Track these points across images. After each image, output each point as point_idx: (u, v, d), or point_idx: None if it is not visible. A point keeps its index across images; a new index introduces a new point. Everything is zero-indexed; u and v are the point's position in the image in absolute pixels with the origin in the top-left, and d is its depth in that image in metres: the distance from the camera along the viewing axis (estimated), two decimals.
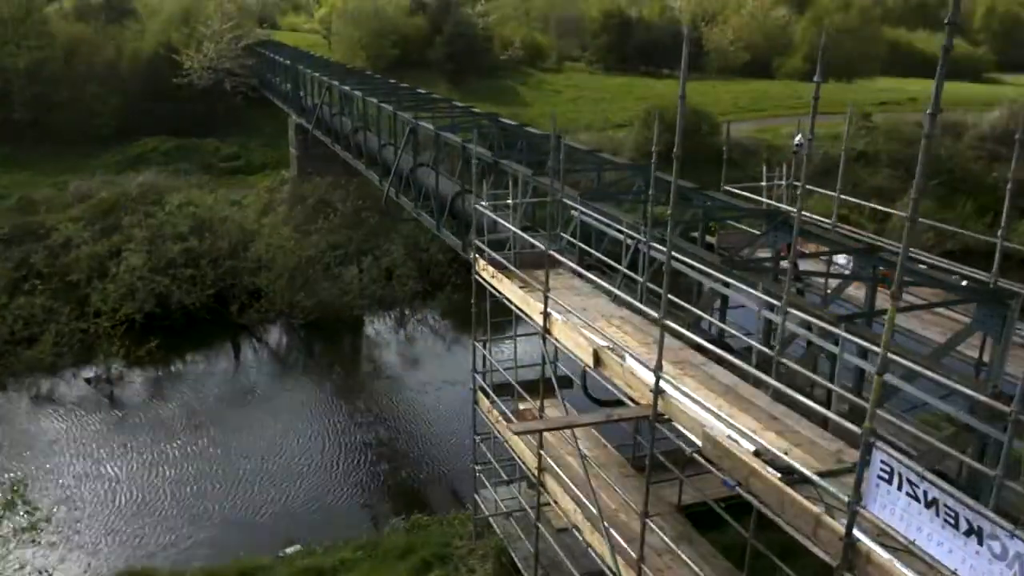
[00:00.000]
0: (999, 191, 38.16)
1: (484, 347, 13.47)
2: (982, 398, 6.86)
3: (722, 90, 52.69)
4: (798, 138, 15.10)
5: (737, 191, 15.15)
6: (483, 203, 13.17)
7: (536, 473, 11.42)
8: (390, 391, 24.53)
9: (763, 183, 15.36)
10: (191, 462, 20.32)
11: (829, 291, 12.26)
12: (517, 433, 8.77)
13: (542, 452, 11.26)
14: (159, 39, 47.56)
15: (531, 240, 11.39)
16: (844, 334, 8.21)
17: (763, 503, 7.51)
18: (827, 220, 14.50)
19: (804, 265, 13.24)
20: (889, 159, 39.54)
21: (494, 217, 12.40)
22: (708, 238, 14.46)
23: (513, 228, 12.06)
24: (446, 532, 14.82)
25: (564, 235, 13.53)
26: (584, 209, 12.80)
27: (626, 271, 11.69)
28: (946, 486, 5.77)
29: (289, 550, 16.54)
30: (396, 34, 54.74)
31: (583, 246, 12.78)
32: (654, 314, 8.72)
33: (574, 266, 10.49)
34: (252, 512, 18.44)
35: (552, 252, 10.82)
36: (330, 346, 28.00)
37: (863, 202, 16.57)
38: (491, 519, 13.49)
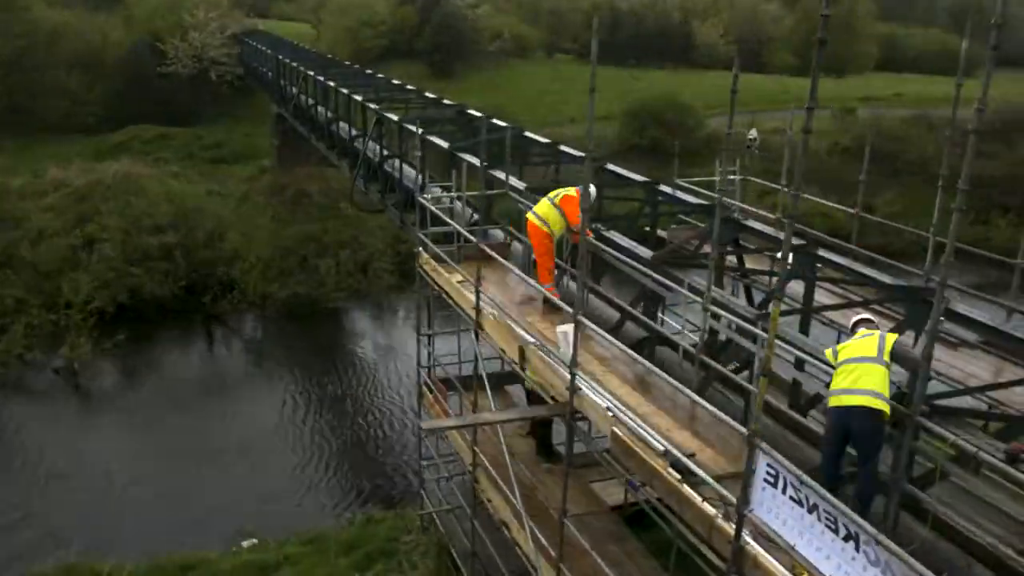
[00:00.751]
0: (982, 187, 38.20)
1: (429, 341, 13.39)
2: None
3: (709, 83, 52.45)
4: (752, 132, 14.96)
5: (686, 184, 15.01)
6: (426, 195, 13.05)
7: (471, 469, 11.35)
8: (361, 384, 24.43)
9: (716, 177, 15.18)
10: (151, 453, 20.24)
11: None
12: (425, 430, 8.66)
13: (476, 448, 11.17)
14: (144, 27, 47.33)
15: (465, 233, 11.28)
16: (759, 332, 8.11)
17: (666, 504, 7.43)
18: (772, 215, 14.36)
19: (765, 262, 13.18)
20: (872, 153, 39.30)
21: (433, 209, 12.28)
22: (661, 233, 14.34)
23: (450, 221, 11.94)
24: (398, 527, 14.74)
25: (511, 229, 13.43)
26: (527, 203, 12.67)
27: (564, 265, 11.60)
28: (823, 491, 5.68)
29: (245, 543, 16.46)
30: (385, 24, 54.54)
31: (523, 239, 12.66)
32: (569, 309, 8.60)
33: (503, 261, 10.34)
34: (211, 505, 18.34)
35: (484, 246, 10.70)
36: (303, 338, 27.89)
37: (814, 198, 16.38)
38: (434, 514, 13.42)
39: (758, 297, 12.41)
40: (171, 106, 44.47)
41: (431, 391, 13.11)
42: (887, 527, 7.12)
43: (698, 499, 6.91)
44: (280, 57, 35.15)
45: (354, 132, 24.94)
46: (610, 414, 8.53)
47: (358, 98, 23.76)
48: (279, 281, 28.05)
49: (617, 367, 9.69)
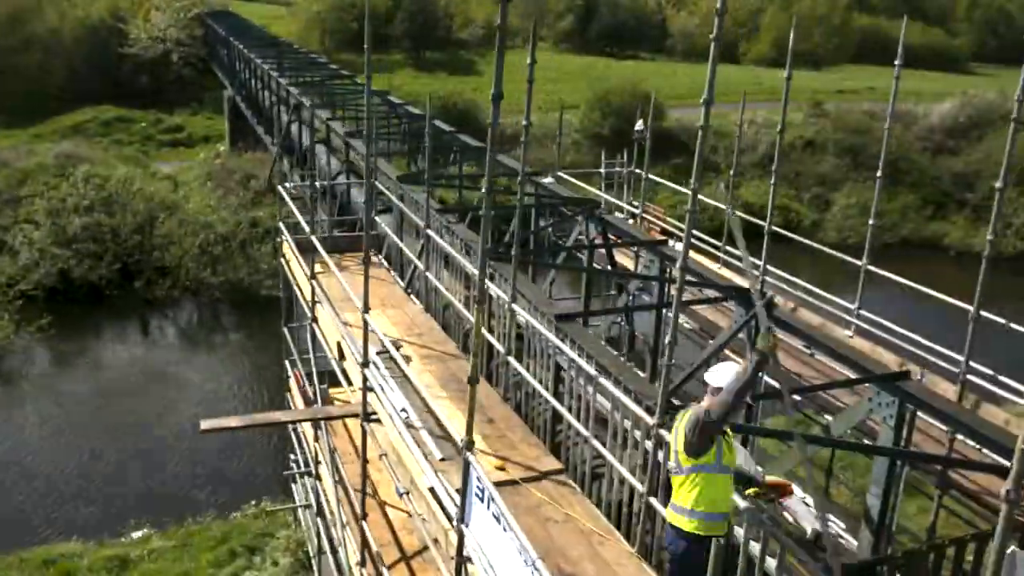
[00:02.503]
0: (943, 183, 37.82)
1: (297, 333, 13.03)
2: (632, 405, 6.41)
3: (683, 74, 51.97)
4: (639, 124, 14.56)
5: (567, 177, 14.61)
6: (287, 184, 12.67)
7: (314, 467, 11.02)
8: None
9: (602, 169, 14.81)
10: (65, 440, 19.92)
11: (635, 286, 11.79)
12: (203, 431, 8.31)
13: (318, 445, 10.84)
14: (106, 7, 46.76)
15: (302, 223, 10.90)
16: (549, 335, 7.74)
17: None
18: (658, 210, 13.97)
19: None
20: (836, 147, 38.93)
21: (288, 201, 11.89)
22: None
23: (296, 211, 11.55)
24: (276, 522, 14.42)
25: (377, 220, 13.05)
26: (391, 194, 12.30)
27: (416, 260, 11.23)
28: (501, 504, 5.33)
29: (136, 534, 16.18)
30: (357, 8, 53.88)
31: (388, 231, 12.30)
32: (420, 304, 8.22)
33: (326, 256, 9.94)
34: (115, 494, 18.03)
35: (314, 238, 10.32)
36: (238, 326, 27.51)
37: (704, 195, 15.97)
38: (298, 511, 13.10)
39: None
40: (133, 88, 44.04)
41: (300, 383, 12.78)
42: None
43: (438, 509, 6.58)
44: (232, 40, 34.73)
45: (291, 118, 24.57)
46: (404, 415, 8.20)
47: (284, 82, 23.36)
48: (214, 267, 27.63)
49: (435, 366, 9.35)
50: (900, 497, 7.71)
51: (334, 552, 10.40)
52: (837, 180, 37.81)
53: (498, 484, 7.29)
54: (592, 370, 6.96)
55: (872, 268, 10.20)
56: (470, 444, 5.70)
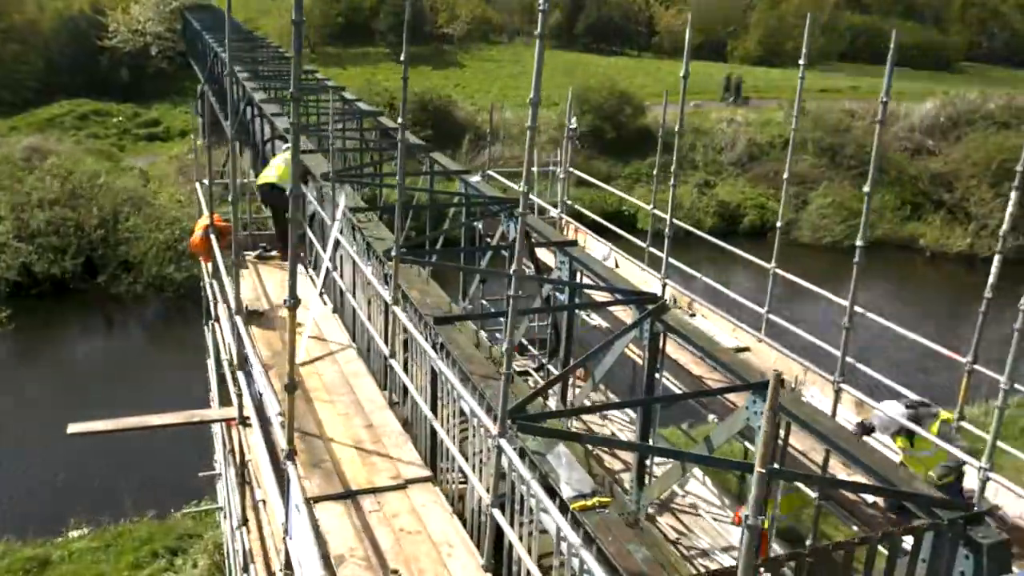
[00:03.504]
0: (921, 183, 37.58)
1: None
2: (482, 415, 6.22)
3: (667, 71, 51.74)
4: (572, 122, 14.36)
5: (495, 175, 14.40)
6: (204, 180, 12.49)
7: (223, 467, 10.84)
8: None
9: (536, 168, 14.56)
10: (15, 434, 19.78)
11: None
12: (71, 434, 8.14)
13: (225, 445, 10.66)
14: None
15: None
16: (420, 339, 7.55)
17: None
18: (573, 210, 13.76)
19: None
20: (814, 146, 38.70)
21: (200, 194, 11.69)
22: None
23: (205, 207, 11.35)
24: (205, 523, 14.26)
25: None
26: (308, 193, 12.09)
27: (325, 259, 11.03)
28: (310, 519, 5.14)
29: (74, 533, 16.03)
30: (342, 3, 53.71)
31: (307, 228, 12.10)
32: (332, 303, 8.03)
33: (243, 253, 9.74)
34: (63, 490, 17.89)
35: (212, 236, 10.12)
36: (199, 322, 27.30)
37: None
38: (219, 512, 12.94)
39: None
40: (111, 81, 43.85)
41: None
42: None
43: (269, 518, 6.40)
44: (204, 34, 34.49)
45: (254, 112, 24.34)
46: (280, 419, 8.00)
47: (243, 76, 23.11)
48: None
49: (327, 368, 9.17)
50: (777, 505, 7.54)
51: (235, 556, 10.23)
52: (814, 179, 37.59)
53: (359, 492, 7.14)
54: (453, 377, 6.78)
55: (779, 271, 9.97)
56: (290, 454, 5.51)
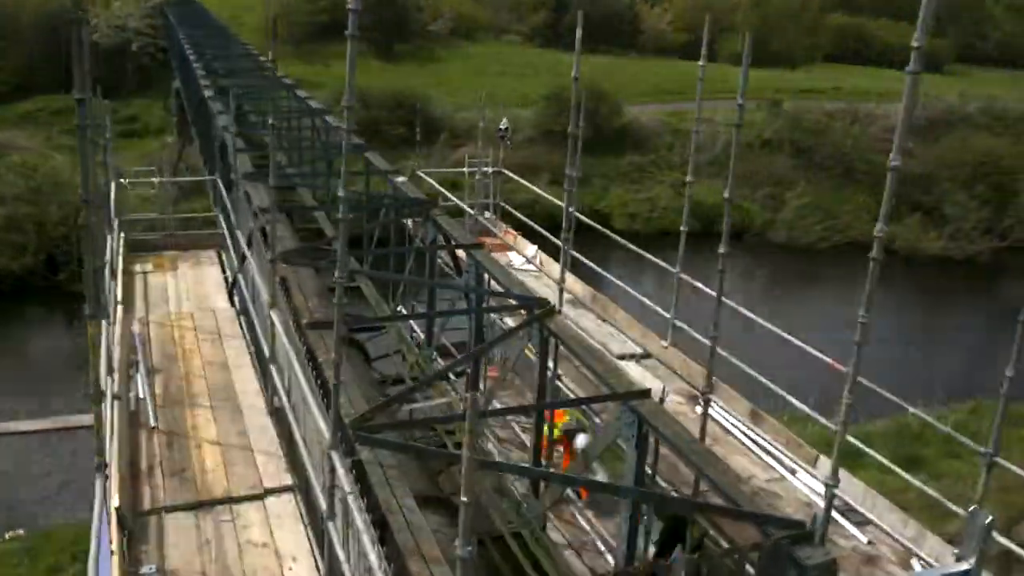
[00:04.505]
0: (899, 185, 37.29)
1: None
2: (323, 426, 6.01)
3: (652, 71, 51.49)
4: (503, 123, 14.14)
5: (424, 175, 14.17)
6: (125, 178, 12.29)
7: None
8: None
9: (464, 168, 14.38)
10: None
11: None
12: None
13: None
14: None
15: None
16: (287, 344, 7.35)
17: None
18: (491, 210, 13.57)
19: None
20: (791, 147, 38.47)
21: (111, 193, 11.50)
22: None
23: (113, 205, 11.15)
24: None
25: (218, 214, 12.64)
26: (223, 191, 11.90)
27: (235, 258, 10.85)
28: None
29: (8, 534, 15.81)
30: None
31: (223, 227, 11.91)
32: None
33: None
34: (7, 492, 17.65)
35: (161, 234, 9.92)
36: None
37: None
38: None
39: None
40: (91, 77, 43.58)
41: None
42: None
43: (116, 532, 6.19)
44: (179, 32, 34.30)
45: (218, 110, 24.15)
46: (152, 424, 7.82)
47: (202, 72, 22.93)
48: None
49: (217, 372, 8.96)
50: (652, 519, 7.32)
51: None
52: (791, 179, 37.38)
53: (215, 502, 6.94)
54: (305, 385, 6.58)
55: (684, 276, 9.75)
56: (100, 466, 5.31)
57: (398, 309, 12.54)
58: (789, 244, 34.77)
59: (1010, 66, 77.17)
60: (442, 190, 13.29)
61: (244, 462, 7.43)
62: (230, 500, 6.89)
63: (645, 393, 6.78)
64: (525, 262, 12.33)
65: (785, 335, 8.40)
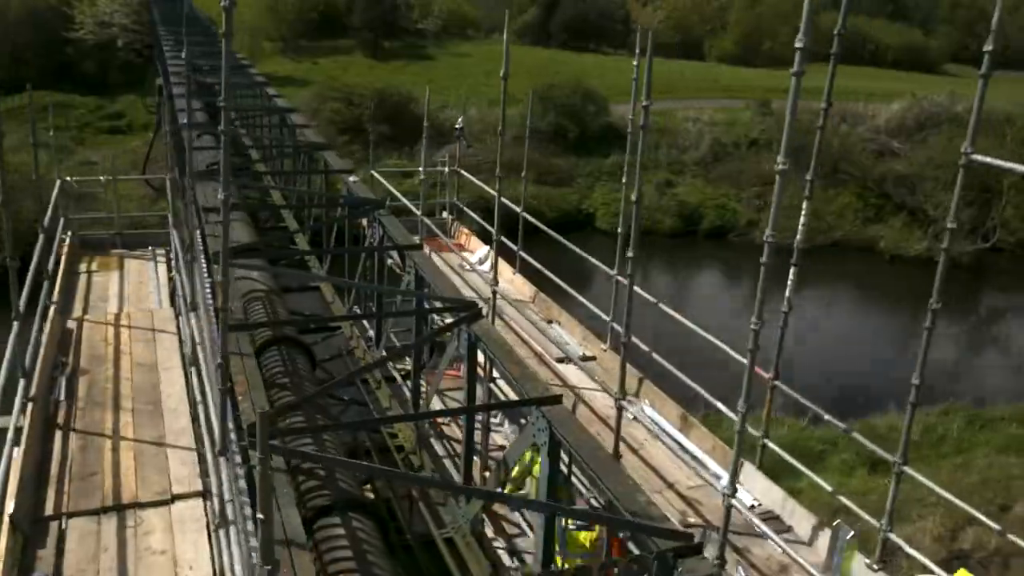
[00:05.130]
0: (885, 186, 37.17)
1: None
2: (217, 431, 5.90)
3: (641, 70, 51.29)
4: (459, 121, 14.01)
5: (377, 175, 14.04)
6: (67, 177, 12.18)
7: None
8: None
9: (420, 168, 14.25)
10: None
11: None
12: None
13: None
14: None
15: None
16: (201, 349, 7.23)
17: None
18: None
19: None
20: (779, 146, 38.22)
21: (53, 193, 11.38)
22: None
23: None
24: None
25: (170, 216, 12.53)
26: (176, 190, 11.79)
27: (180, 259, 10.73)
28: None
29: None
30: None
31: (172, 232, 11.80)
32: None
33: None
34: None
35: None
36: None
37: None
38: None
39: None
40: (77, 73, 43.49)
41: None
42: None
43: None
44: (159, 28, 34.15)
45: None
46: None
47: (172, 68, 22.80)
48: None
49: (144, 375, 8.85)
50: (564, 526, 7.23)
51: None
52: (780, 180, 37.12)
53: (120, 508, 6.84)
54: (208, 388, 6.46)
55: (621, 279, 9.62)
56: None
57: (353, 309, 12.45)
58: (776, 242, 34.59)
59: (1010, 67, 77.06)
60: (393, 190, 13.18)
61: (157, 467, 7.32)
62: (136, 506, 6.78)
63: (556, 399, 6.67)
64: (478, 262, 12.21)
65: (713, 339, 8.28)
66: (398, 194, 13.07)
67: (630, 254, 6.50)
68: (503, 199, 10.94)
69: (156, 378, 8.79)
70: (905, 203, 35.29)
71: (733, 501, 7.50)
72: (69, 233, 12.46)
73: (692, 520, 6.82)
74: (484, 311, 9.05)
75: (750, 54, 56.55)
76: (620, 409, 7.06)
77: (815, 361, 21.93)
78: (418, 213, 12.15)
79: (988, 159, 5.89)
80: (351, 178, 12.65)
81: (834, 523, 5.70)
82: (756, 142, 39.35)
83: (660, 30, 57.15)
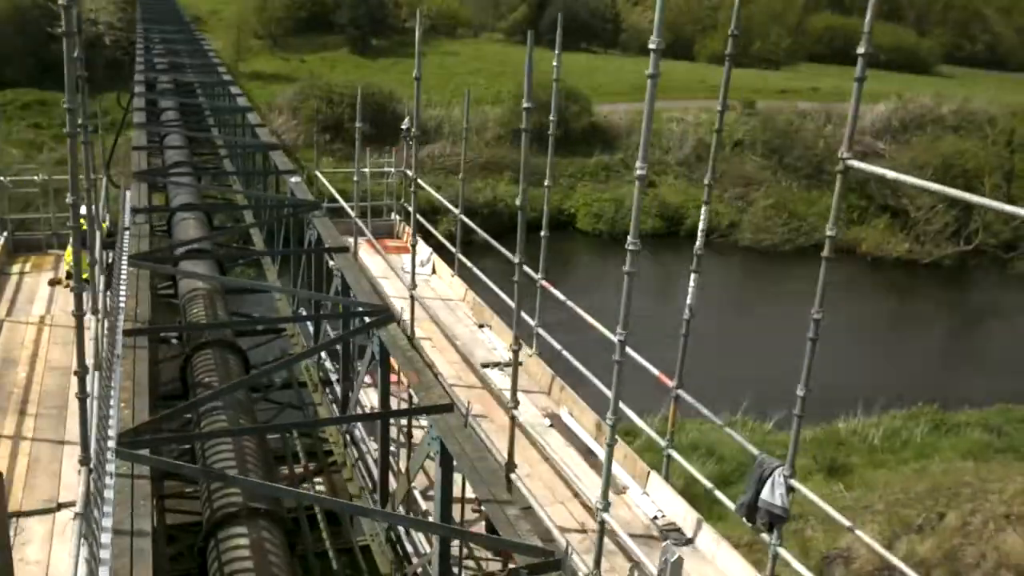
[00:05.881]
0: (868, 188, 37.02)
1: None
2: (92, 436, 5.76)
3: (629, 70, 51.13)
4: (405, 122, 13.86)
5: (320, 176, 13.90)
6: (2, 178, 12.03)
7: None
8: None
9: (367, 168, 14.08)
10: None
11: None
12: None
13: None
14: None
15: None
16: (111, 354, 7.09)
17: None
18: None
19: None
20: (763, 147, 38.16)
21: None
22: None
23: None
24: None
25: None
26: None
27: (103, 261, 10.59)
28: None
29: None
30: None
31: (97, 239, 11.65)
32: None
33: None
34: None
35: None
36: None
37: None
38: None
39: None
40: (61, 71, 43.31)
41: None
42: None
43: None
44: (140, 26, 34.08)
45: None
46: None
47: (140, 67, 22.69)
48: None
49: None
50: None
51: None
52: (760, 180, 37.07)
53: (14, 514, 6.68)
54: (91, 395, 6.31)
55: (546, 284, 9.45)
56: None
57: (299, 311, 12.32)
58: (754, 245, 34.47)
59: (999, 68, 76.80)
60: (333, 191, 13.02)
61: (49, 474, 7.18)
62: (20, 514, 6.63)
63: (446, 408, 6.53)
64: (420, 264, 12.06)
65: (629, 348, 8.10)
66: (337, 195, 12.88)
67: (517, 259, 6.22)
68: (448, 203, 10.78)
69: (67, 382, 8.64)
70: (888, 205, 35.13)
71: (637, 511, 7.37)
72: (4, 234, 12.33)
73: (591, 532, 6.67)
74: (400, 315, 8.92)
75: (739, 54, 56.36)
76: (512, 418, 6.91)
77: (779, 364, 21.79)
78: (352, 215, 11.95)
79: (864, 165, 5.71)
80: (293, 179, 12.53)
81: (663, 544, 5.55)
82: (740, 143, 39.19)
83: (650, 30, 57.06)
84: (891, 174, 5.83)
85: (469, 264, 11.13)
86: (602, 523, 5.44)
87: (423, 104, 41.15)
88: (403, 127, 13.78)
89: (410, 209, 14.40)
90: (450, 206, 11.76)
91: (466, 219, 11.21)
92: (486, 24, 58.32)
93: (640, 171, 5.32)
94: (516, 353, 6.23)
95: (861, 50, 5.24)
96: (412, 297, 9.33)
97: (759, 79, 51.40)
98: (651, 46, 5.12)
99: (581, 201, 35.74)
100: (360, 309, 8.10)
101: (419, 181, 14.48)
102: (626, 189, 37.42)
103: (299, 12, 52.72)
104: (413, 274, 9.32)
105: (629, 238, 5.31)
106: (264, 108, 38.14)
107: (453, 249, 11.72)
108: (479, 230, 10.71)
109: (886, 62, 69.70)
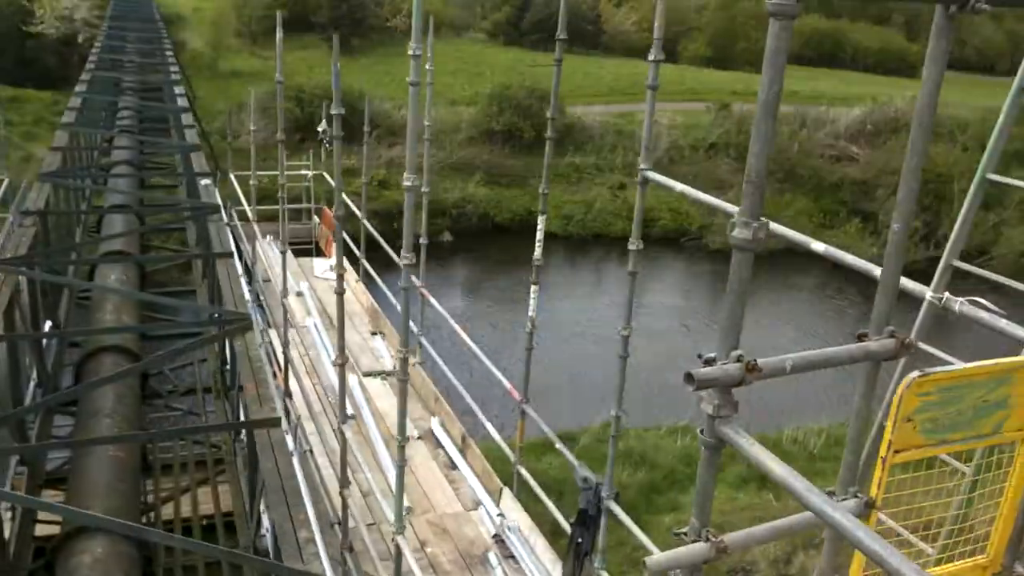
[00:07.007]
0: (842, 191, 36.87)
1: None
2: None
3: (609, 72, 50.99)
4: (322, 125, 13.69)
5: (233, 178, 13.70)
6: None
7: None
8: None
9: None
10: None
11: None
12: None
13: None
14: None
15: None
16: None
17: None
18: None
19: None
20: (737, 151, 37.99)
21: None
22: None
23: None
24: None
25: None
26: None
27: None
28: None
29: None
30: None
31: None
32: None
33: None
34: None
35: None
36: None
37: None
38: None
39: None
40: (36, 68, 43.11)
41: None
42: None
43: None
44: (105, 24, 33.91)
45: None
46: None
47: (90, 66, 22.56)
48: None
49: None
50: None
51: None
52: (734, 184, 36.85)
53: None
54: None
55: (424, 291, 9.25)
56: None
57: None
58: (724, 248, 34.25)
59: (990, 72, 76.58)
60: (240, 194, 12.84)
61: None
62: None
63: (271, 422, 6.34)
64: (326, 270, 11.89)
65: (481, 354, 7.91)
66: (243, 199, 12.70)
67: (405, 262, 5.93)
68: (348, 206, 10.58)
69: None
70: (860, 208, 34.96)
71: (481, 528, 7.17)
72: None
73: (429, 550, 6.47)
74: (252, 324, 8.71)
75: (722, 56, 56.26)
76: (342, 432, 6.71)
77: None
78: (250, 217, 11.75)
79: (659, 176, 5.54)
80: (204, 182, 12.35)
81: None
82: (714, 145, 39.02)
83: (632, 32, 56.93)
84: (679, 186, 5.65)
85: (370, 270, 10.95)
86: (398, 546, 5.24)
87: (396, 104, 41.13)
88: (319, 129, 13.59)
89: (324, 209, 14.25)
90: (356, 209, 11.58)
91: (367, 224, 11.02)
92: (469, 24, 58.15)
93: (643, 171, 5.22)
94: (404, 362, 6.01)
95: (652, 57, 5.07)
96: (284, 304, 9.13)
97: (738, 81, 51.22)
98: (650, 58, 5.01)
99: (551, 203, 35.47)
100: (217, 316, 7.90)
101: (336, 184, 14.32)
102: (595, 191, 37.24)
103: (280, 11, 52.55)
104: (284, 281, 9.12)
105: (631, 239, 5.19)
106: (235, 108, 38.00)
107: (358, 253, 11.53)
108: (373, 231, 10.52)
109: (874, 65, 69.71)
